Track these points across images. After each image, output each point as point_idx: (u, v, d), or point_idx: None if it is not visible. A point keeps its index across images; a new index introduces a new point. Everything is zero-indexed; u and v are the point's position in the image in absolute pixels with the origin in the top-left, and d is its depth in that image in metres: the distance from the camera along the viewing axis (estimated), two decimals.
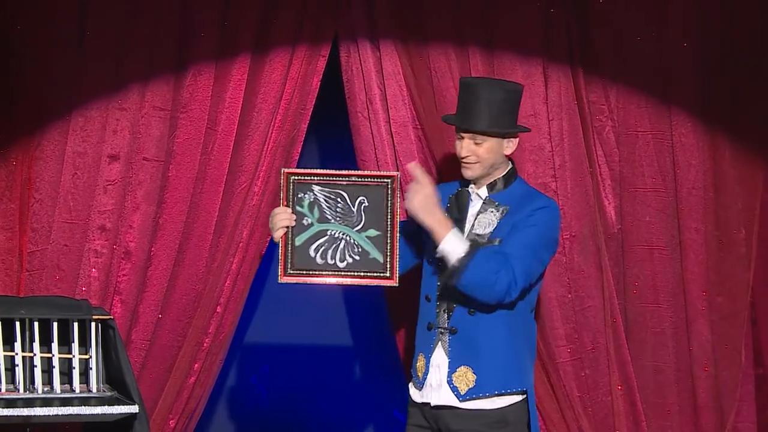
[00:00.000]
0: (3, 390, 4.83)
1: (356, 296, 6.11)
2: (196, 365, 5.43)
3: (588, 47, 5.47)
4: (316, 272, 4.57)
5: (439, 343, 4.60)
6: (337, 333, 6.41)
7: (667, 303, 5.51)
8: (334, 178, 4.56)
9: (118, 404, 4.75)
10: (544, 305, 5.39)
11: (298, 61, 5.40)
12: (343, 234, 4.55)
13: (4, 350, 4.84)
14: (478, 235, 4.57)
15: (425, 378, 4.63)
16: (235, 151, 5.38)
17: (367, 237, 4.55)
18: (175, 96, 5.34)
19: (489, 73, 5.38)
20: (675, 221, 5.50)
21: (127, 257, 5.34)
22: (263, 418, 6.42)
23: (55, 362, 4.88)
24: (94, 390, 4.90)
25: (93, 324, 4.89)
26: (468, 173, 4.60)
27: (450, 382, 4.56)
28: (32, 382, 4.87)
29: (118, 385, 4.90)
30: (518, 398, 4.58)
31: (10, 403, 4.71)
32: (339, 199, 4.55)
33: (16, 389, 4.85)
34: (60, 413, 4.68)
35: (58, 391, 4.88)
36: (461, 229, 4.60)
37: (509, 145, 4.59)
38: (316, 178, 4.56)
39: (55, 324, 4.86)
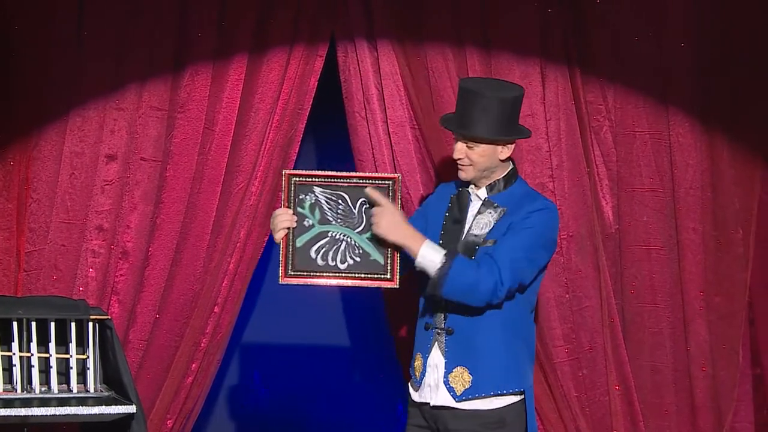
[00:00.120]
0: (0, 390, 4.83)
1: (355, 296, 6.11)
2: (193, 365, 5.44)
3: (585, 47, 5.47)
4: (317, 273, 4.56)
5: (436, 343, 4.60)
6: (335, 333, 6.41)
7: (664, 303, 5.51)
8: (336, 180, 4.55)
9: (116, 404, 4.74)
10: (542, 305, 5.39)
11: (295, 61, 5.40)
12: (344, 235, 4.54)
13: (1, 350, 4.84)
14: (475, 235, 4.56)
15: (423, 378, 4.63)
16: (232, 151, 5.38)
17: (368, 239, 4.55)
18: (172, 96, 5.34)
19: (486, 73, 5.38)
20: (672, 221, 5.50)
21: (125, 257, 5.34)
22: (261, 418, 6.42)
23: (53, 362, 4.87)
24: (92, 390, 4.90)
25: (90, 324, 4.89)
26: (462, 175, 4.60)
27: (446, 382, 4.56)
28: (30, 382, 4.86)
29: (115, 385, 4.89)
30: (516, 399, 4.58)
31: (8, 403, 4.70)
32: (340, 201, 4.54)
33: (14, 389, 4.85)
34: (57, 413, 4.68)
35: (56, 391, 4.88)
36: (461, 229, 4.60)
37: (504, 150, 4.57)
38: (317, 179, 4.55)
39: (53, 324, 4.86)
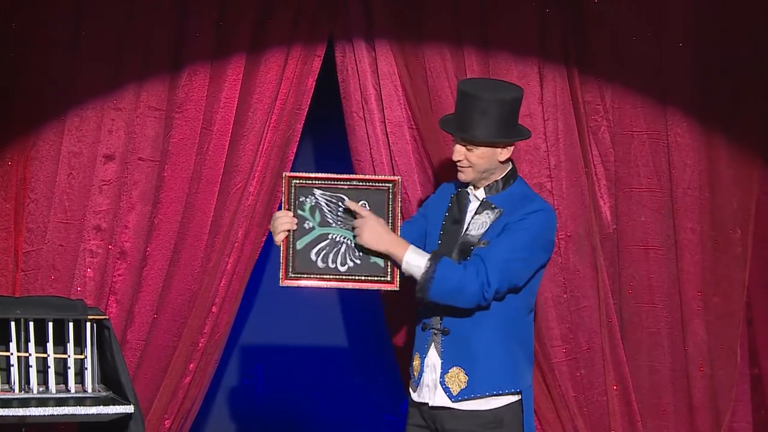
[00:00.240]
0: None
1: (353, 297, 6.10)
2: (191, 365, 5.43)
3: (583, 47, 5.47)
4: (317, 276, 4.56)
5: (433, 343, 4.60)
6: (333, 333, 6.41)
7: (662, 303, 5.51)
8: (336, 182, 4.54)
9: (114, 404, 4.74)
10: (540, 305, 5.39)
11: (293, 61, 5.40)
12: (344, 238, 4.54)
13: None
14: (471, 236, 4.56)
15: (420, 378, 4.63)
16: (230, 151, 5.38)
17: None
18: (170, 96, 5.34)
19: (484, 74, 5.38)
20: (670, 221, 5.50)
21: (123, 257, 5.34)
22: (259, 418, 6.42)
23: (51, 362, 4.87)
24: (90, 390, 4.89)
25: (88, 324, 4.88)
26: (462, 177, 4.59)
27: (443, 383, 4.56)
28: (27, 382, 4.86)
29: (113, 385, 4.89)
30: (513, 399, 4.57)
31: (6, 403, 4.70)
32: (340, 203, 4.54)
33: (12, 389, 4.84)
34: (55, 413, 4.68)
35: (54, 391, 4.87)
36: (459, 229, 4.60)
37: (503, 152, 4.57)
38: (317, 181, 4.54)
39: (51, 324, 4.85)
